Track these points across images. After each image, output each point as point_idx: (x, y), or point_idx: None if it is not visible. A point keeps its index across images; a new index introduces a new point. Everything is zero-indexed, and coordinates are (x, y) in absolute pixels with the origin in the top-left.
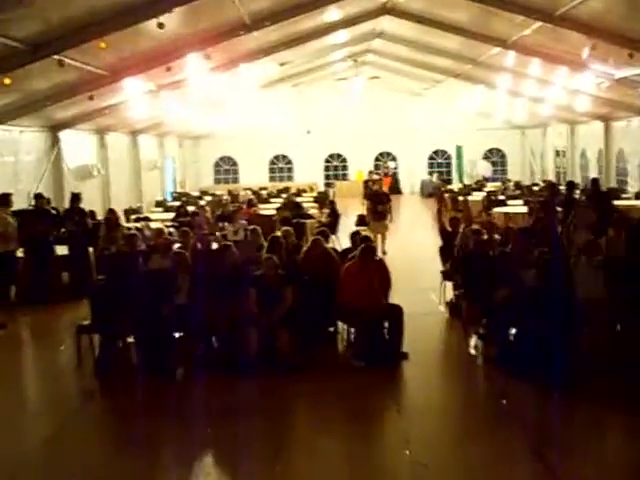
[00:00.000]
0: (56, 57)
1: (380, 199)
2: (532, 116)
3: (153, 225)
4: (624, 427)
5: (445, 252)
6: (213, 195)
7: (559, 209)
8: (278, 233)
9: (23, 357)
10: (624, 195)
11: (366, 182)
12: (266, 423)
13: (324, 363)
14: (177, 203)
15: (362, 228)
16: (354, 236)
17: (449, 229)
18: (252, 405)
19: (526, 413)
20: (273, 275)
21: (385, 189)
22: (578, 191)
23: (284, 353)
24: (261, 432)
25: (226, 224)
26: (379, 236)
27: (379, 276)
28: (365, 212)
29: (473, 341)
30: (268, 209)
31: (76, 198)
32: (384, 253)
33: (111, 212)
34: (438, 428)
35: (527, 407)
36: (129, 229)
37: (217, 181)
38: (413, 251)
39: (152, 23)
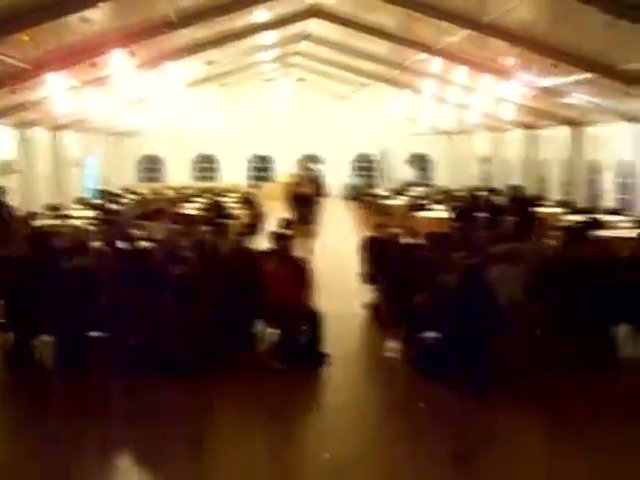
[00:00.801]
0: None
1: (305, 202)
2: (458, 122)
3: (75, 222)
4: (542, 429)
5: (367, 255)
6: (137, 193)
7: (482, 215)
8: (201, 233)
9: None
10: (546, 202)
11: (290, 185)
12: (186, 423)
13: (245, 364)
14: (100, 201)
15: (286, 231)
16: (275, 236)
17: (372, 233)
18: (172, 405)
19: (444, 415)
20: (194, 275)
21: (309, 191)
22: (501, 197)
23: (204, 352)
24: (181, 432)
25: (149, 223)
26: (304, 240)
27: (299, 276)
28: (290, 215)
29: (392, 343)
30: (192, 209)
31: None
32: (307, 256)
33: None
34: (357, 429)
35: (445, 409)
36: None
37: (141, 179)
38: (335, 254)
39: (77, 17)
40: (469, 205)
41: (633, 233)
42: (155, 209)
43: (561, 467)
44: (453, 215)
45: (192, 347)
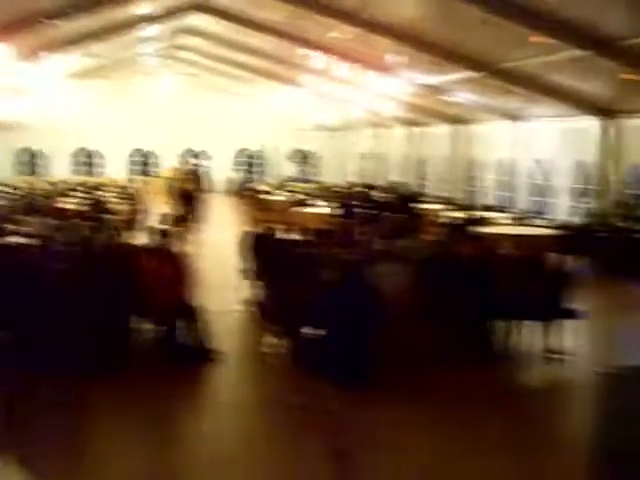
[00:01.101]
0: None
1: (187, 198)
2: (341, 119)
3: None
4: (420, 424)
5: (249, 251)
6: (14, 187)
7: (364, 211)
8: (80, 228)
9: None
10: (425, 199)
11: (172, 180)
12: (65, 423)
13: (125, 361)
14: None
15: (168, 227)
16: (155, 232)
17: (254, 228)
18: (50, 405)
19: (323, 410)
20: (71, 270)
21: (191, 187)
22: (384, 194)
23: (86, 351)
24: (59, 433)
25: (26, 217)
26: (186, 236)
27: (179, 272)
28: (171, 211)
29: (274, 339)
30: (70, 203)
31: None
32: (190, 253)
33: None
34: (238, 425)
35: (324, 404)
36: None
37: (23, 173)
38: (217, 249)
39: None
40: (351, 201)
41: (512, 230)
42: (32, 204)
43: (437, 462)
44: (335, 211)
45: (71, 345)
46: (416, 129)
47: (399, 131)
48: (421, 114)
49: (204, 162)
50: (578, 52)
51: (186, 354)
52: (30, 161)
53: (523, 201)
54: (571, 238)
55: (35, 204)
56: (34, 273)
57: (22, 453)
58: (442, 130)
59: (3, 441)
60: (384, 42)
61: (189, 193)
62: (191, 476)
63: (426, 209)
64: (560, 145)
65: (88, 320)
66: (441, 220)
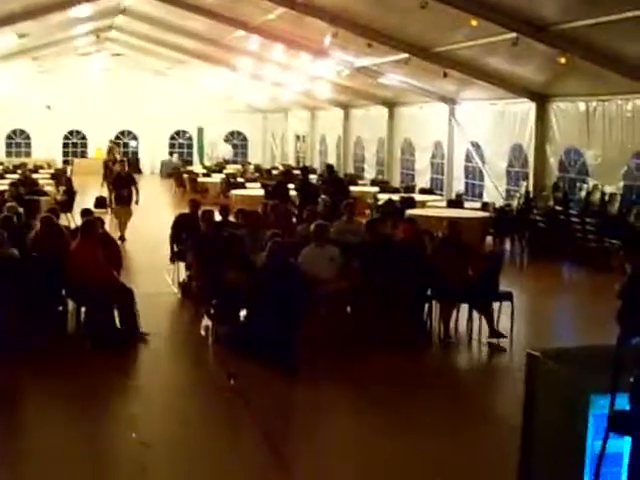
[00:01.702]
0: None
1: (124, 183)
2: (274, 100)
3: None
4: (345, 405)
5: (179, 232)
6: None
7: (295, 193)
8: (10, 209)
9: None
10: (361, 181)
11: (106, 162)
12: None
13: (53, 343)
14: None
15: (101, 211)
16: (85, 214)
17: (186, 210)
18: None
19: (254, 394)
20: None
21: (123, 169)
22: (314, 176)
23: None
24: None
25: None
26: (120, 221)
27: (107, 252)
28: (106, 194)
29: (204, 321)
30: (2, 185)
31: None
32: (122, 239)
33: None
34: (166, 409)
35: (256, 387)
36: None
37: None
38: (150, 232)
39: None
40: (283, 183)
41: (446, 212)
42: None
43: (367, 447)
44: (268, 193)
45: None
46: (350, 111)
47: (334, 113)
48: (355, 96)
49: (137, 144)
50: (513, 35)
51: (117, 336)
52: None
53: (458, 184)
54: (505, 221)
55: None
56: None
57: None
58: (377, 112)
59: None
60: (317, 23)
61: (122, 175)
62: (119, 457)
63: (361, 191)
64: (495, 128)
65: (19, 301)
66: (375, 202)
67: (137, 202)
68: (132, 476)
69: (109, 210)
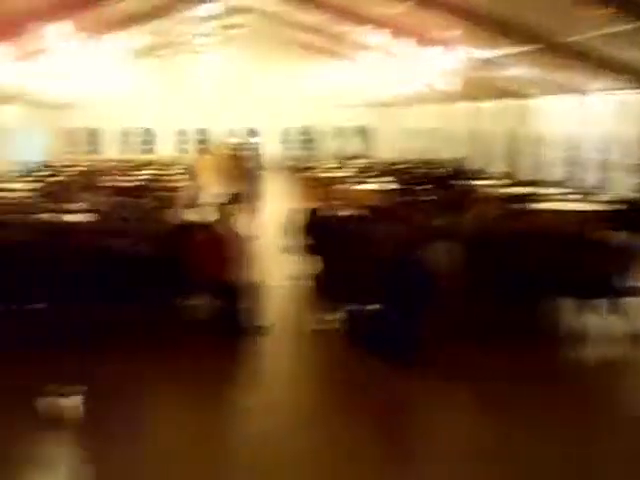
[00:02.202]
0: None
1: (249, 179)
2: (402, 94)
3: (15, 195)
4: (472, 400)
5: (309, 227)
6: (77, 166)
7: (422, 187)
8: (145, 205)
9: None
10: (486, 175)
11: (226, 157)
12: (120, 397)
13: (182, 336)
14: (42, 173)
15: (227, 206)
16: (214, 208)
17: (312, 205)
18: (107, 376)
19: (374, 387)
20: (135, 246)
21: (247, 165)
22: (441, 170)
23: (135, 323)
24: (115, 406)
25: (89, 195)
26: (247, 218)
27: (236, 248)
28: (225, 188)
29: (333, 315)
30: (131, 181)
31: None
32: (248, 235)
33: None
34: (293, 400)
35: (381, 379)
36: None
37: (83, 152)
38: (273, 225)
39: None
40: (406, 178)
41: (573, 206)
42: (95, 181)
43: (483, 440)
44: (390, 188)
45: (127, 319)
46: (477, 104)
47: (459, 106)
48: (481, 89)
49: (258, 139)
50: (637, 24)
51: (238, 330)
52: (90, 140)
53: (583, 177)
54: (628, 214)
55: (91, 182)
56: (92, 250)
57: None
58: (505, 105)
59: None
60: (442, 16)
61: (243, 170)
62: (239, 448)
63: (482, 185)
64: (626, 120)
65: (143, 295)
66: (496, 196)
67: (262, 199)
68: (247, 465)
69: (234, 206)
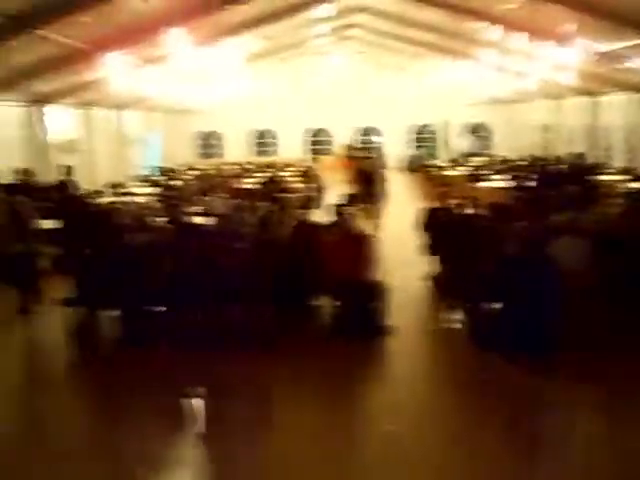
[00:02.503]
0: (38, 31)
1: (371, 180)
2: (517, 91)
3: (138, 199)
4: (604, 401)
5: (429, 226)
6: (198, 169)
7: (539, 183)
8: (263, 208)
9: (7, 331)
10: (608, 170)
11: (352, 160)
12: (248, 396)
13: (308, 336)
14: (162, 178)
15: (351, 208)
16: (337, 209)
17: (433, 204)
18: (235, 378)
19: (506, 386)
20: (256, 248)
21: (371, 166)
22: (562, 166)
23: (267, 325)
24: (245, 405)
25: (209, 198)
26: (371, 218)
27: (361, 248)
28: (349, 189)
29: (456, 314)
30: (252, 183)
31: (67, 171)
32: (378, 237)
33: None
34: (419, 400)
35: (508, 380)
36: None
37: (202, 155)
38: (396, 225)
39: None
40: (527, 174)
41: None
42: (212, 184)
43: (617, 443)
44: (512, 185)
45: (255, 320)
46: (595, 98)
47: (576, 101)
48: (599, 83)
49: (379, 138)
50: None
51: (368, 329)
52: (211, 144)
53: None
54: None
55: (213, 184)
56: (215, 252)
57: (212, 425)
58: (626, 99)
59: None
60: (559, 10)
61: (368, 173)
62: (373, 448)
63: (605, 180)
64: None
65: (269, 297)
66: (621, 191)
67: (385, 201)
68: (379, 466)
69: (358, 207)
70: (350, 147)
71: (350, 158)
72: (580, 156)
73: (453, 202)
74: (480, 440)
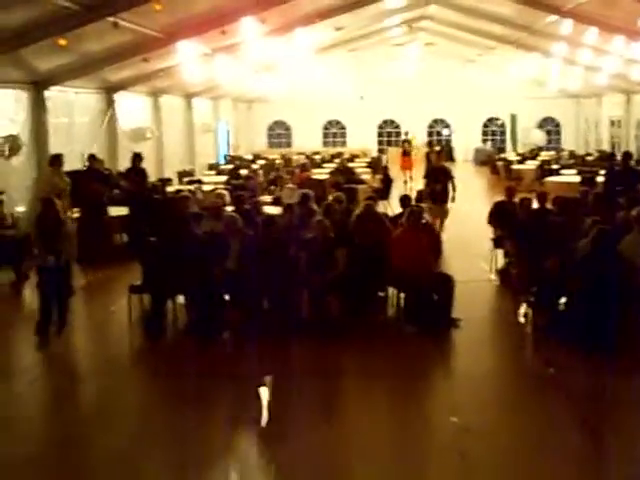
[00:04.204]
0: (110, 19)
1: (438, 176)
2: (587, 85)
3: (206, 188)
4: None
5: (497, 220)
6: (266, 159)
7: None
8: (330, 198)
9: (74, 318)
10: None
11: (421, 152)
12: (315, 387)
13: (374, 327)
14: (230, 166)
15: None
16: (404, 200)
17: (503, 198)
18: (301, 368)
19: (574, 382)
20: (324, 238)
21: (439, 158)
22: (633, 161)
23: (334, 316)
24: (310, 395)
25: (278, 188)
26: (437, 221)
27: (428, 241)
28: (422, 183)
29: (523, 309)
30: (321, 174)
31: (138, 158)
32: (445, 230)
33: None
34: (485, 394)
35: (575, 376)
36: (181, 191)
37: (270, 145)
38: (465, 219)
39: None
40: (601, 169)
41: None
42: (277, 175)
43: None
44: (585, 180)
45: (323, 310)
46: None
47: None
48: None
49: (448, 132)
50: None
51: (436, 321)
52: (281, 133)
53: None
54: None
55: (281, 174)
56: (282, 242)
57: (275, 416)
58: None
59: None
60: (632, 4)
61: (436, 168)
62: (439, 440)
63: None
64: None
65: (336, 287)
66: None
67: (453, 199)
68: (450, 462)
69: (426, 200)
70: (421, 140)
71: (421, 150)
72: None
73: (523, 196)
74: (547, 438)
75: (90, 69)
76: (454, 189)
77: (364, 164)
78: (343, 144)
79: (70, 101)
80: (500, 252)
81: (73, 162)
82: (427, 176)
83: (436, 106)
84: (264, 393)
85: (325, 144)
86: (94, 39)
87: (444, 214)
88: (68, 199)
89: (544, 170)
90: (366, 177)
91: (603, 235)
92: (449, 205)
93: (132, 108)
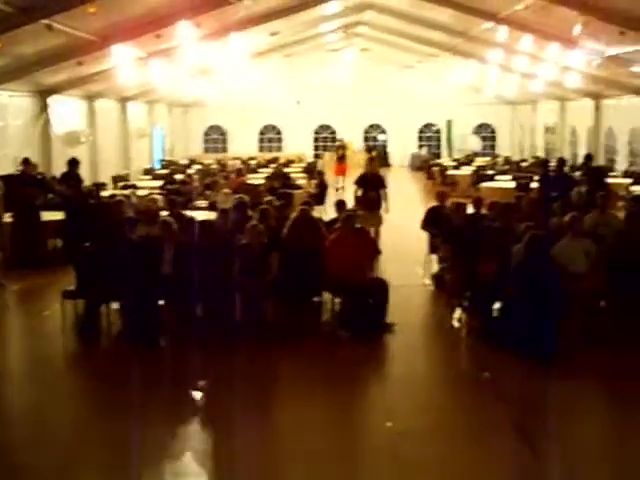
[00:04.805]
0: (44, 21)
1: (372, 184)
2: (522, 92)
3: (141, 193)
4: (607, 402)
5: (431, 225)
6: (202, 164)
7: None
8: (265, 202)
9: (7, 322)
10: (613, 173)
11: (356, 157)
12: (250, 391)
13: (309, 332)
14: (165, 171)
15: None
16: (340, 205)
17: (437, 203)
18: (236, 373)
19: (508, 386)
20: (259, 244)
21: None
22: (567, 168)
23: (269, 321)
24: (245, 399)
25: (214, 193)
26: (371, 229)
27: (363, 246)
28: (356, 188)
29: (457, 314)
30: (256, 179)
31: (74, 163)
32: (380, 235)
33: None
34: (420, 399)
35: (509, 380)
36: (115, 196)
37: (206, 150)
38: (400, 224)
39: None
40: (535, 175)
41: None
42: (213, 180)
43: (623, 446)
44: (519, 185)
45: (257, 315)
46: (600, 101)
47: (582, 103)
48: (605, 86)
49: (383, 137)
50: None
51: (370, 326)
52: (217, 138)
53: None
54: None
55: (216, 179)
56: (217, 247)
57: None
58: (630, 102)
59: (194, 408)
60: (567, 13)
61: (369, 176)
62: (373, 445)
63: (613, 183)
64: None
65: (271, 292)
66: (629, 194)
67: (387, 210)
68: (385, 464)
69: (361, 205)
70: (356, 145)
71: (356, 156)
72: (589, 157)
73: (458, 201)
74: (482, 442)
75: (24, 72)
76: (386, 199)
77: (300, 169)
78: (279, 149)
79: (3, 104)
80: (435, 257)
81: (6, 166)
82: (358, 182)
83: (372, 112)
84: (199, 397)
85: (261, 149)
86: (28, 42)
87: (378, 223)
88: (1, 203)
89: (479, 176)
90: (302, 182)
91: (536, 240)
92: (382, 213)
93: (66, 112)
